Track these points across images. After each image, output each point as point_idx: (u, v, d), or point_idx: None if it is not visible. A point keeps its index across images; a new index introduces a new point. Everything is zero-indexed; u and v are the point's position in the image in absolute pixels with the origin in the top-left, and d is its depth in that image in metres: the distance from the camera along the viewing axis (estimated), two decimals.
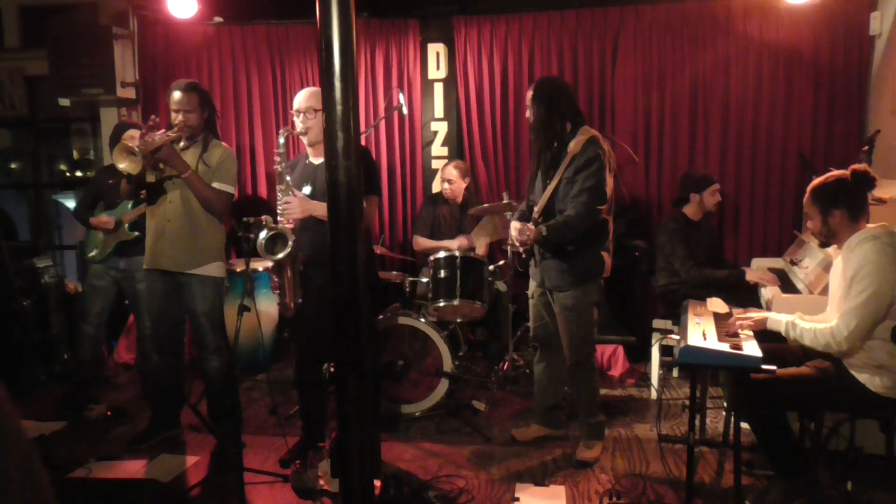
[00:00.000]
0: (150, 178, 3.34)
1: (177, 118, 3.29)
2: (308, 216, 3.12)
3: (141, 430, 3.63)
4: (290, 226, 3.09)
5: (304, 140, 3.28)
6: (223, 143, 3.47)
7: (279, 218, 3.12)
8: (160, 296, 3.43)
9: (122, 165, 3.14)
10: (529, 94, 3.24)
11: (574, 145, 3.12)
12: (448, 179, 4.65)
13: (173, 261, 3.35)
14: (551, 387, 3.52)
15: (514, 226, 3.14)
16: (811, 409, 2.76)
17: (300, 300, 3.20)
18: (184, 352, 3.69)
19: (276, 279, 3.19)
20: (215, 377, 3.48)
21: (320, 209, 3.07)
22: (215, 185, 3.34)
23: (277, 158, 3.15)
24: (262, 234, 3.03)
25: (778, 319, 2.66)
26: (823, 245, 2.76)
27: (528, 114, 3.27)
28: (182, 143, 3.34)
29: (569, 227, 3.04)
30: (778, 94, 4.64)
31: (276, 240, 3.06)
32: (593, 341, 3.37)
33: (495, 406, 4.02)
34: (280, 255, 3.04)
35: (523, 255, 3.35)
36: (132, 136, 3.89)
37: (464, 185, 4.68)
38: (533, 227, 2.95)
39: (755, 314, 2.76)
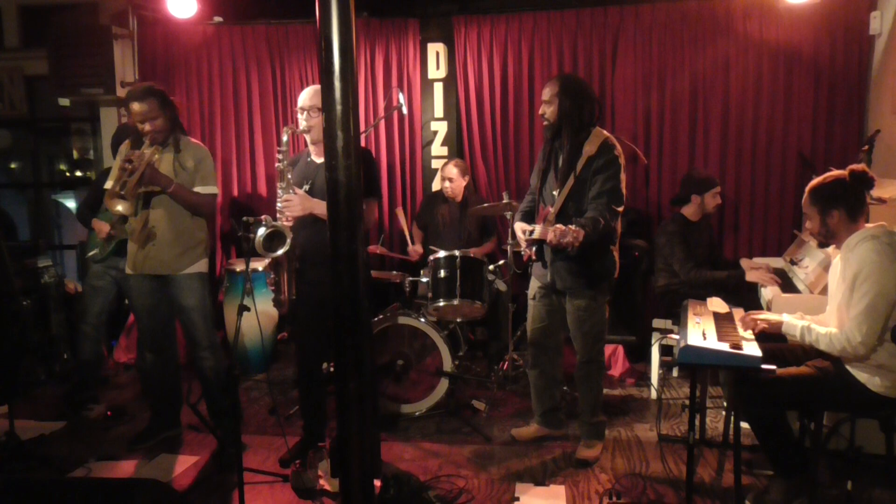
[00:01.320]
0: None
1: (143, 128, 3.28)
2: (308, 214, 3.12)
3: (141, 430, 3.63)
4: (289, 223, 3.10)
5: (307, 138, 3.28)
6: (193, 140, 3.46)
7: (278, 215, 3.13)
8: (148, 293, 3.44)
9: (119, 209, 3.21)
10: (551, 89, 3.17)
11: (589, 146, 3.12)
12: (448, 178, 4.66)
13: (161, 265, 3.36)
14: (547, 390, 3.52)
15: (557, 227, 2.87)
16: (811, 409, 2.76)
17: (293, 297, 3.21)
18: (178, 350, 3.69)
19: (272, 276, 3.20)
20: (210, 376, 3.48)
21: (320, 207, 3.08)
22: (198, 189, 3.36)
23: (279, 156, 3.15)
24: (261, 231, 3.03)
25: (793, 324, 2.66)
26: (822, 245, 2.76)
27: (542, 109, 3.21)
28: (149, 143, 3.31)
29: (595, 230, 3.01)
30: (778, 94, 4.64)
31: (275, 237, 3.06)
32: (603, 340, 3.38)
33: (495, 406, 4.02)
34: (279, 252, 3.05)
35: (533, 258, 3.34)
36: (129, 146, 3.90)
37: (464, 184, 4.68)
38: (576, 227, 2.86)
39: (771, 316, 2.75)
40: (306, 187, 3.23)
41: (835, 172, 2.64)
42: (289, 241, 3.04)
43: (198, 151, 3.40)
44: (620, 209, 3.12)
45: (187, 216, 3.37)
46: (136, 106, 3.26)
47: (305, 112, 3.20)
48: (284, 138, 3.19)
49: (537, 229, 3.11)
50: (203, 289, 3.46)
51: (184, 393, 3.70)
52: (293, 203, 3.11)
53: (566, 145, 3.16)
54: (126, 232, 3.85)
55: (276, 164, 3.17)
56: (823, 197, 2.61)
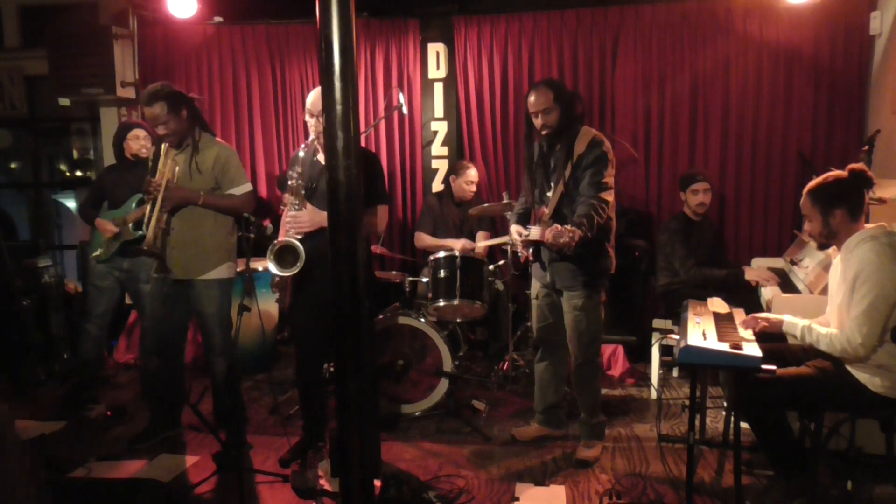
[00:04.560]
0: None
1: (157, 131, 3.26)
2: (318, 228, 3.12)
3: (141, 430, 3.63)
4: (299, 236, 3.10)
5: (318, 143, 3.22)
6: (217, 140, 3.42)
7: (288, 228, 3.12)
8: (164, 299, 3.42)
9: (150, 239, 3.25)
10: (546, 97, 3.12)
11: (579, 145, 3.13)
12: (473, 181, 4.70)
13: (183, 269, 3.34)
14: (552, 386, 3.53)
15: (553, 228, 2.88)
16: (811, 409, 2.76)
17: (296, 297, 3.22)
18: (184, 356, 3.68)
19: (278, 278, 3.20)
20: (220, 380, 3.47)
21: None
22: (233, 190, 3.34)
23: (294, 175, 3.14)
24: (270, 255, 3.05)
25: (794, 323, 2.66)
26: (823, 247, 2.74)
27: (542, 119, 3.14)
28: (166, 150, 3.29)
29: (591, 228, 3.00)
30: (778, 94, 4.64)
31: (285, 252, 3.06)
32: (600, 340, 3.38)
33: (495, 406, 4.02)
34: (294, 270, 3.05)
35: (531, 259, 3.34)
36: (136, 137, 3.90)
37: None
38: (571, 227, 2.86)
39: (771, 315, 2.75)
40: (312, 187, 3.21)
41: (834, 172, 2.64)
42: (303, 256, 3.03)
43: (220, 152, 3.34)
44: (607, 196, 3.09)
45: (209, 217, 3.34)
46: (146, 111, 3.24)
47: (315, 118, 3.17)
48: (301, 154, 3.18)
49: (533, 231, 3.11)
50: (223, 296, 3.42)
51: (185, 394, 3.69)
52: (302, 220, 3.11)
53: (563, 147, 3.17)
54: (132, 233, 3.86)
55: (290, 182, 3.15)
56: (826, 197, 2.60)
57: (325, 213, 3.07)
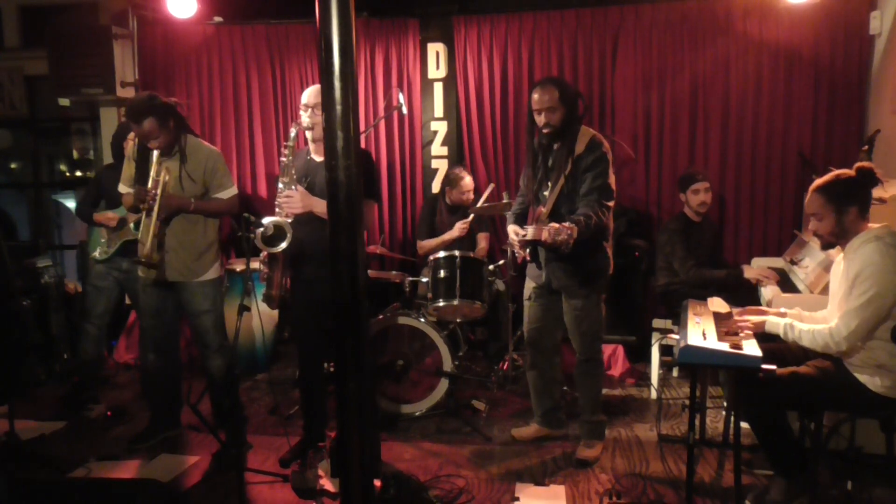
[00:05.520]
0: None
1: (150, 145, 3.26)
2: (308, 211, 3.13)
3: (141, 430, 3.63)
4: (289, 219, 3.11)
5: (309, 135, 3.28)
6: (201, 142, 3.42)
7: (277, 210, 3.14)
8: (156, 294, 3.43)
9: (148, 248, 3.25)
10: (551, 95, 3.09)
11: (578, 145, 3.13)
12: (469, 190, 4.67)
13: (177, 272, 3.35)
14: (546, 391, 3.53)
15: (550, 226, 2.88)
16: (811, 409, 2.76)
17: (284, 293, 3.24)
18: (180, 351, 3.69)
19: (266, 271, 3.21)
20: (219, 376, 3.47)
21: (320, 206, 3.09)
22: (219, 195, 3.37)
23: (286, 151, 3.17)
24: (264, 223, 3.07)
25: (776, 322, 2.66)
26: (828, 246, 2.71)
27: (545, 118, 3.11)
28: (157, 158, 3.29)
29: (588, 227, 3.00)
30: (778, 94, 4.64)
31: (276, 232, 3.08)
32: (602, 338, 3.38)
33: (495, 406, 4.02)
34: (280, 248, 3.07)
35: (528, 259, 3.34)
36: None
37: None
38: (569, 224, 2.86)
39: (753, 318, 2.75)
40: (304, 184, 3.23)
41: (841, 171, 2.62)
42: (289, 236, 3.06)
43: (208, 157, 3.36)
44: (611, 204, 3.12)
45: (200, 221, 3.37)
46: (136, 129, 3.25)
47: (310, 109, 3.20)
48: (292, 133, 3.21)
49: (530, 230, 3.10)
50: (217, 293, 3.46)
51: (184, 393, 3.69)
52: (294, 200, 3.12)
53: (562, 147, 3.16)
54: (133, 233, 3.85)
55: (281, 159, 3.18)
56: (839, 194, 2.57)
57: (316, 199, 3.12)
